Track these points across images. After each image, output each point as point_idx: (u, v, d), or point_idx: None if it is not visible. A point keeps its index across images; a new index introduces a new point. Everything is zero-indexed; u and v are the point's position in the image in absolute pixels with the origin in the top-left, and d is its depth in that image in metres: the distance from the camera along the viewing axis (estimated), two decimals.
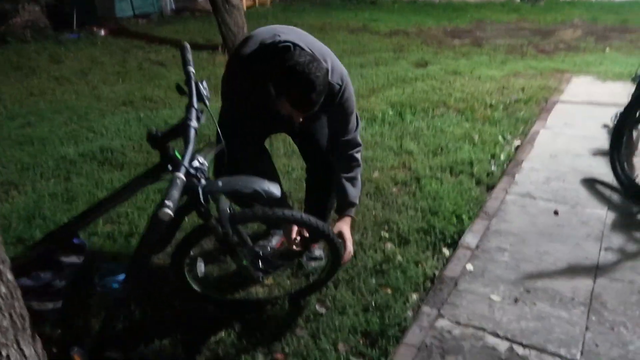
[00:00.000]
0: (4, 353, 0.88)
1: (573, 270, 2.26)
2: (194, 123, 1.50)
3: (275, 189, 1.66)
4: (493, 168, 3.37)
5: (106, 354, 1.74)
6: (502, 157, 3.53)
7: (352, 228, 2.17)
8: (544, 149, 3.53)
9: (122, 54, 7.37)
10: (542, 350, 1.83)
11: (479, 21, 8.88)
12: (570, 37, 7.30)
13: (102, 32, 8.55)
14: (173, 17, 10.36)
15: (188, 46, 1.69)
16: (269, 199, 1.64)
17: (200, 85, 1.60)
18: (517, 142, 3.78)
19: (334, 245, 1.94)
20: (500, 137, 3.85)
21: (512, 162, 3.41)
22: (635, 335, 1.89)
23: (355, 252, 2.52)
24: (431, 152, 3.70)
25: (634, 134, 3.58)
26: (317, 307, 2.18)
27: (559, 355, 1.81)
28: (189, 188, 1.53)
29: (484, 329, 1.94)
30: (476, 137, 3.90)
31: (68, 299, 1.55)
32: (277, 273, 2.30)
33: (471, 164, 3.43)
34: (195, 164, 1.51)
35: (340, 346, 1.96)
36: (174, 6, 10.85)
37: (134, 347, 1.88)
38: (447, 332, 1.94)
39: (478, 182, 3.20)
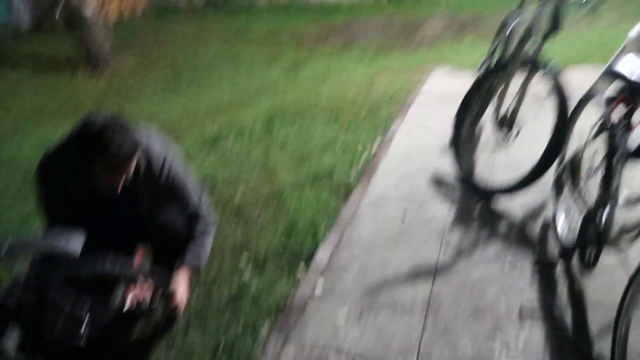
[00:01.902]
0: None
1: (414, 275, 2.35)
2: None
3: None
4: (353, 173, 3.44)
5: None
6: (362, 160, 3.62)
7: (192, 281, 2.08)
8: (400, 148, 3.67)
9: None
10: None
11: (352, 20, 9.09)
12: (434, 30, 7.72)
13: None
14: (30, 32, 9.49)
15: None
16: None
17: None
18: (377, 144, 3.89)
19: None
20: (362, 140, 3.95)
21: (370, 165, 3.50)
22: (464, 332, 2.00)
23: (210, 288, 2.44)
24: (296, 163, 3.70)
25: (477, 126, 3.83)
26: (164, 354, 2.07)
27: None
28: None
29: (330, 348, 1.96)
30: (341, 142, 3.97)
31: None
32: None
33: (333, 171, 3.47)
34: None
35: None
36: (30, 17, 9.80)
37: None
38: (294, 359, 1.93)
39: (337, 191, 3.24)
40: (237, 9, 11.10)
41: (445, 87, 4.87)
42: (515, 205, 2.80)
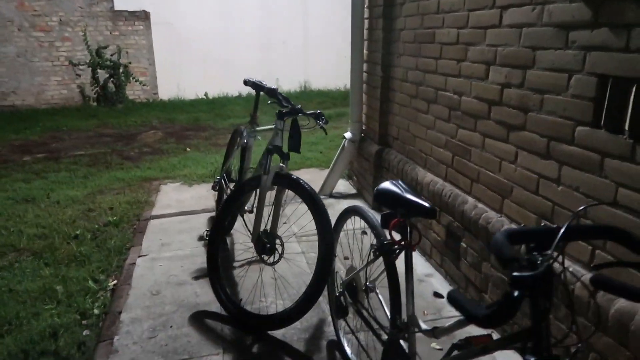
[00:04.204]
0: None
1: None
2: None
3: None
4: (86, 333, 2.61)
5: None
6: (96, 311, 2.82)
7: None
8: (144, 285, 3.03)
9: None
10: None
11: (55, 130, 7.98)
12: (152, 139, 7.35)
13: None
14: None
15: None
16: None
17: None
18: (113, 283, 3.15)
19: None
20: (91, 282, 3.14)
21: (110, 314, 2.74)
22: None
23: None
24: None
25: (229, 247, 3.55)
26: None
27: None
28: None
29: None
30: (60, 289, 3.05)
31: None
32: None
33: (55, 336, 2.57)
34: None
35: None
36: None
37: None
38: None
39: None
40: None
41: (180, 204, 4.47)
42: (293, 331, 2.52)
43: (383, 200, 1.75)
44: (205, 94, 10.70)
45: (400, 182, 1.78)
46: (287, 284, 2.91)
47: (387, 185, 1.77)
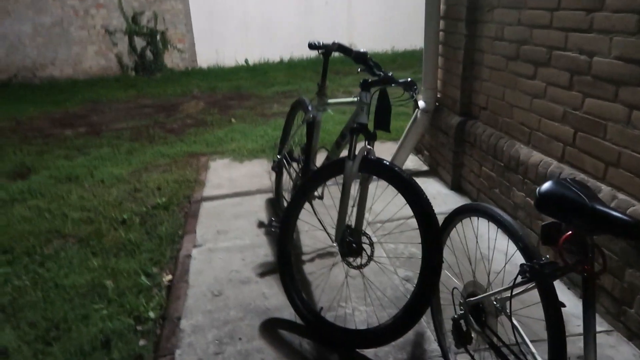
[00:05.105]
0: None
1: None
2: None
3: None
4: (142, 343, 2.27)
5: None
6: (152, 314, 2.47)
7: None
8: (203, 283, 2.66)
9: None
10: None
11: (94, 102, 7.70)
12: (194, 110, 6.96)
13: None
14: None
15: None
16: None
17: None
18: (167, 278, 2.79)
19: None
20: (143, 277, 2.79)
21: (167, 322, 2.37)
22: None
23: None
24: (40, 339, 2.32)
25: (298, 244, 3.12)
26: None
27: None
28: None
29: None
30: (110, 284, 2.73)
31: None
32: None
33: (108, 345, 2.24)
34: None
35: None
36: None
37: None
38: None
39: None
40: None
41: (232, 183, 4.06)
42: (387, 349, 2.09)
43: (556, 208, 1.25)
44: (246, 61, 10.20)
45: (571, 181, 1.28)
46: (370, 285, 2.48)
47: (555, 187, 1.27)
